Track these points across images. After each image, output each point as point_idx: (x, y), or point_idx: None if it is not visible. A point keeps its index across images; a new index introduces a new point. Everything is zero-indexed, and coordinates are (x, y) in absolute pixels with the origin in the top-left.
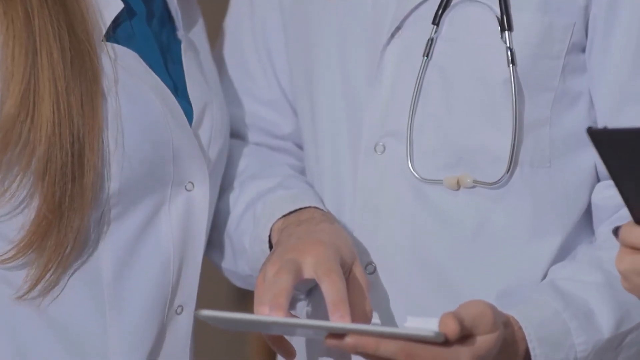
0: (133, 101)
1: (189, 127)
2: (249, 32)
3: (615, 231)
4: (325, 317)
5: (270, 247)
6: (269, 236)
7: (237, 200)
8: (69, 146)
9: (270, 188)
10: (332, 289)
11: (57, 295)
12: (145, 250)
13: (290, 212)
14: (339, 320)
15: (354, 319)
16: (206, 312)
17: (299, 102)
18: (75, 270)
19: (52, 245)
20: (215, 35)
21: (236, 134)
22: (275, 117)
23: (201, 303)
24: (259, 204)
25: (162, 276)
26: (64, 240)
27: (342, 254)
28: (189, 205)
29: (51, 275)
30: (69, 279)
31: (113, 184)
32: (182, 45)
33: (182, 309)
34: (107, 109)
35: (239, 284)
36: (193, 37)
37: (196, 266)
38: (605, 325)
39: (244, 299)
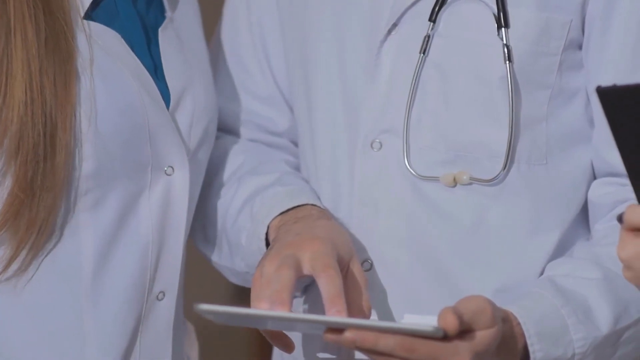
0: (108, 81)
1: (165, 110)
2: (246, 28)
3: (620, 217)
4: (322, 314)
5: (267, 244)
6: (266, 233)
7: (234, 197)
8: (40, 126)
9: (268, 185)
10: (328, 284)
11: (32, 277)
12: (125, 236)
13: (288, 210)
14: (335, 315)
15: (351, 316)
16: (204, 306)
17: (295, 98)
18: (49, 253)
19: (25, 224)
20: (212, 31)
21: (232, 130)
22: (271, 114)
23: (201, 299)
24: (257, 200)
25: (140, 262)
26: (35, 219)
27: (339, 250)
28: (169, 189)
29: (25, 256)
30: (42, 260)
31: (86, 164)
32: (161, 26)
33: (163, 295)
34: (81, 88)
35: (235, 280)
36: (180, 17)
37: (177, 252)
38: (603, 321)
39: (242, 296)
